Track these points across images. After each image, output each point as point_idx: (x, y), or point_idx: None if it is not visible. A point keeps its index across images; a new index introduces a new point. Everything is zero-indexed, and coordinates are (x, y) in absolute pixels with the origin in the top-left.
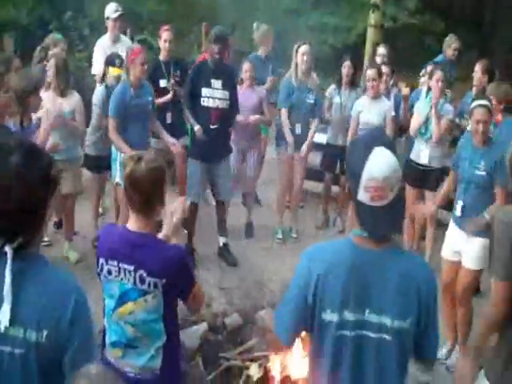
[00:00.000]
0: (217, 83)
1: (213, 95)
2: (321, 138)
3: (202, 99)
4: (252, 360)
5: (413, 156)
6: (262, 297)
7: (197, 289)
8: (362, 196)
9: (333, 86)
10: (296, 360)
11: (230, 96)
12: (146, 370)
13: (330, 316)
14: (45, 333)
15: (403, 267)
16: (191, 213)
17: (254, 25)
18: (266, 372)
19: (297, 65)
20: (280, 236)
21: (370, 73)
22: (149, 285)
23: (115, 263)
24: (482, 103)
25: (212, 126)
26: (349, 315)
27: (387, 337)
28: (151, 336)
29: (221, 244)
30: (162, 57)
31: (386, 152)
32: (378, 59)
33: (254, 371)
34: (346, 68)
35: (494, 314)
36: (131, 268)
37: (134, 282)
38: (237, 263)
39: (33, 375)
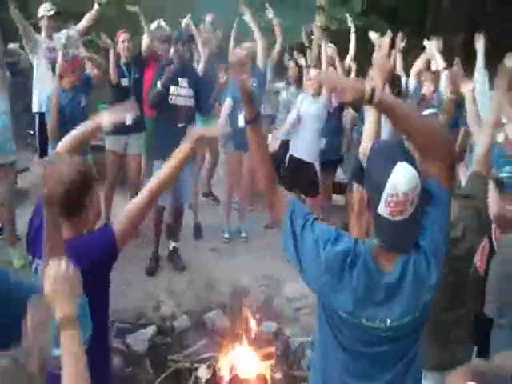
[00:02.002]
0: (183, 81)
1: (180, 93)
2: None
3: (169, 97)
4: (201, 362)
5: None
6: (210, 298)
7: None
8: (383, 210)
9: (281, 84)
10: (244, 360)
11: (195, 94)
12: None
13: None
14: None
15: (414, 273)
16: (158, 216)
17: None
18: (215, 373)
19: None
20: (227, 235)
21: (313, 72)
22: None
23: (38, 261)
24: None
25: (179, 125)
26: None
27: (396, 334)
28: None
29: (171, 248)
30: (122, 58)
31: (408, 168)
32: (324, 60)
33: (203, 373)
34: (291, 69)
35: None
36: None
37: None
38: (185, 268)
39: None
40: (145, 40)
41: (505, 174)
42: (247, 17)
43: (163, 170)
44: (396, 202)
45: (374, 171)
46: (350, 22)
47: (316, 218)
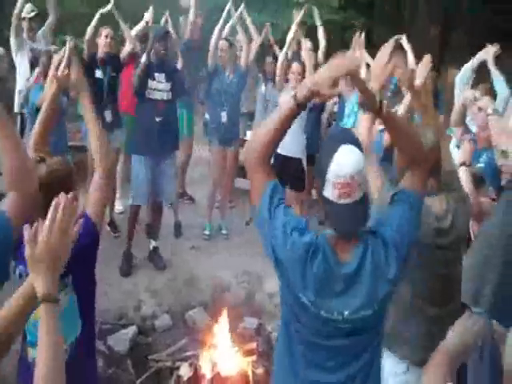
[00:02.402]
0: (160, 76)
1: (157, 87)
2: (248, 136)
3: (147, 91)
4: (182, 360)
5: None
6: (191, 296)
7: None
8: (329, 193)
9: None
10: (226, 357)
11: (172, 87)
12: None
13: (305, 298)
14: None
15: (373, 258)
16: (133, 216)
17: (181, 18)
18: (197, 371)
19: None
20: (207, 232)
21: (295, 66)
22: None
23: (22, 267)
24: None
25: (157, 119)
26: (320, 303)
27: (357, 325)
28: (66, 332)
29: (151, 248)
30: (99, 53)
31: (353, 149)
32: (303, 54)
33: (185, 371)
34: (269, 65)
35: None
36: None
37: None
38: (165, 267)
39: None
40: (127, 45)
41: (482, 164)
42: (244, 14)
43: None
44: (342, 183)
45: (320, 157)
46: (316, 18)
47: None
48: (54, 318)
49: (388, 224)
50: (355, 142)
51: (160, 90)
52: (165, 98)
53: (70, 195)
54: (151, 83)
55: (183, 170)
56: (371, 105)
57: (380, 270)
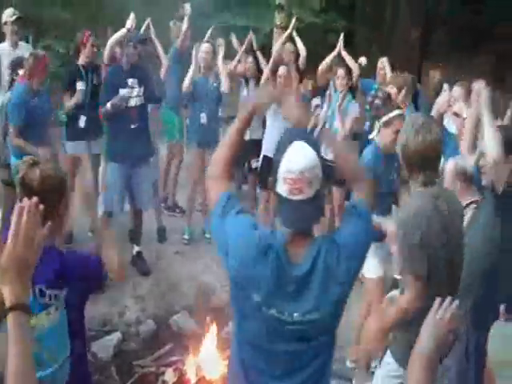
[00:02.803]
0: (134, 82)
1: (131, 94)
2: None
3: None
4: (167, 365)
5: (321, 151)
6: (176, 301)
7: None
8: (281, 188)
9: (241, 81)
10: (210, 361)
11: (145, 91)
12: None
13: (256, 297)
14: None
15: (326, 260)
16: (104, 224)
17: (171, 23)
18: (182, 376)
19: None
20: (186, 237)
21: (283, 69)
22: (50, 297)
23: None
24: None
25: (133, 126)
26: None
27: (305, 327)
28: (57, 349)
29: (134, 253)
30: (80, 61)
31: (305, 146)
32: (286, 58)
33: (169, 376)
34: (251, 68)
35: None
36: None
37: (34, 296)
38: (150, 272)
39: None
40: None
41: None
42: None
43: None
44: (293, 179)
45: (276, 152)
46: (291, 25)
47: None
48: (21, 327)
49: (342, 228)
50: (310, 141)
51: (134, 97)
52: (138, 103)
53: (34, 199)
54: (124, 91)
55: (174, 177)
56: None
57: (332, 272)
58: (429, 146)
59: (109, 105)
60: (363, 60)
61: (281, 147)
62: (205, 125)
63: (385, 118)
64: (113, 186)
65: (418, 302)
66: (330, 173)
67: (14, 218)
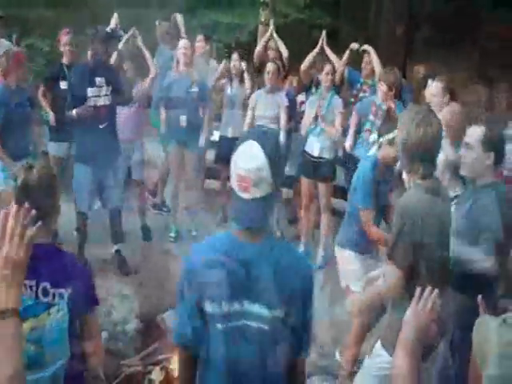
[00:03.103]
0: (101, 81)
1: (99, 93)
2: (215, 136)
3: (88, 99)
4: (154, 364)
5: (307, 148)
6: (162, 299)
7: (94, 320)
8: (233, 183)
9: (224, 80)
10: None
11: (112, 90)
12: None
13: (211, 307)
14: None
15: (280, 259)
16: (80, 221)
17: (157, 22)
18: (168, 374)
19: (177, 60)
20: (173, 235)
21: (271, 66)
22: (53, 296)
23: None
24: None
25: (101, 126)
26: (227, 306)
27: (265, 327)
28: (55, 352)
29: (113, 251)
30: (64, 60)
31: (255, 146)
32: (271, 54)
33: (157, 375)
34: (234, 62)
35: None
36: (33, 283)
37: (36, 296)
38: (130, 271)
39: None
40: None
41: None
42: None
43: None
44: (239, 176)
45: (235, 148)
46: (271, 24)
47: None
48: (12, 335)
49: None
50: (268, 142)
51: (101, 96)
52: (107, 102)
53: (25, 206)
54: (92, 90)
55: (162, 177)
56: None
57: (283, 271)
58: (430, 139)
59: (74, 112)
60: (355, 45)
61: (238, 143)
62: (184, 127)
63: (390, 136)
64: (83, 187)
65: (394, 290)
66: (315, 169)
67: None
